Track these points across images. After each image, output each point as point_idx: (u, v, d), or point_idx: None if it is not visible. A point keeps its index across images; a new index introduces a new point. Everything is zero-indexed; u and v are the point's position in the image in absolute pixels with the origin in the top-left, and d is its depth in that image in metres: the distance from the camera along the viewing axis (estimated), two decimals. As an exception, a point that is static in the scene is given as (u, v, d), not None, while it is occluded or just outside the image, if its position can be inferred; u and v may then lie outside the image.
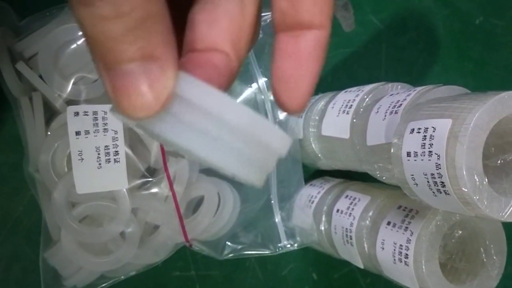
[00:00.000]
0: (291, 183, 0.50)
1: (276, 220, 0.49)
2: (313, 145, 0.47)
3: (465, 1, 0.61)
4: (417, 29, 0.60)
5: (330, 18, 0.20)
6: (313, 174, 0.55)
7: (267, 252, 0.48)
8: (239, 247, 0.47)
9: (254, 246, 0.48)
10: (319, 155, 0.48)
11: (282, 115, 0.50)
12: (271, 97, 0.50)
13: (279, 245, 0.48)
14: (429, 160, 0.29)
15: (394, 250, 0.37)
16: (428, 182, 0.30)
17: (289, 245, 0.48)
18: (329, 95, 0.47)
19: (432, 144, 0.29)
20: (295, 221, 0.50)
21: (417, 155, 0.31)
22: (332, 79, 0.56)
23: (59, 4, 0.44)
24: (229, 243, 0.47)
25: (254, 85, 0.50)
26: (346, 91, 0.45)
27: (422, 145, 0.30)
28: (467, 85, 0.35)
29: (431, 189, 0.30)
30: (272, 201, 0.49)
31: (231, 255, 0.47)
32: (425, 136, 0.30)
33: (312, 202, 0.49)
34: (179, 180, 0.43)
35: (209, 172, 0.48)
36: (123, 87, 0.16)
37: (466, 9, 0.61)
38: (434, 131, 0.30)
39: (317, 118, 0.46)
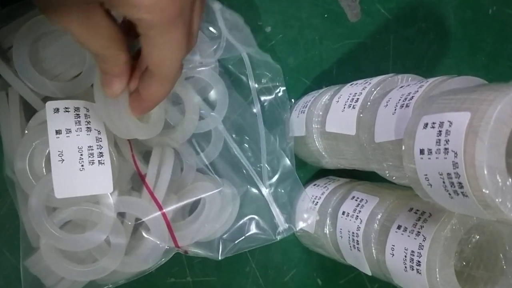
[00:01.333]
0: (280, 162, 0.48)
1: (270, 205, 0.46)
2: (316, 142, 0.45)
3: (477, -11, 0.59)
4: (426, 19, 0.57)
5: None
6: (316, 173, 0.53)
7: (266, 238, 0.46)
8: (236, 241, 0.45)
9: (252, 238, 0.45)
10: (323, 153, 0.45)
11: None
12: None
13: (278, 230, 0.46)
14: (445, 158, 0.27)
15: (405, 256, 0.35)
16: (443, 182, 0.28)
17: (288, 229, 0.46)
18: (333, 89, 0.45)
19: (449, 141, 0.27)
20: (297, 223, 0.47)
21: (431, 152, 0.28)
22: (336, 72, 0.54)
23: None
24: (224, 238, 0.45)
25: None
26: (352, 84, 0.42)
27: (437, 142, 0.28)
28: (480, 79, 0.33)
29: (447, 191, 0.28)
30: (258, 184, 0.47)
31: (229, 252, 0.45)
32: (440, 131, 0.28)
33: (316, 204, 0.46)
34: (159, 186, 0.40)
35: (206, 171, 0.46)
36: (106, 83, 0.34)
37: (478, -2, 0.59)
38: (450, 126, 0.27)
39: (321, 113, 0.44)
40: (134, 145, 0.41)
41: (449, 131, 0.27)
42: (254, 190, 0.47)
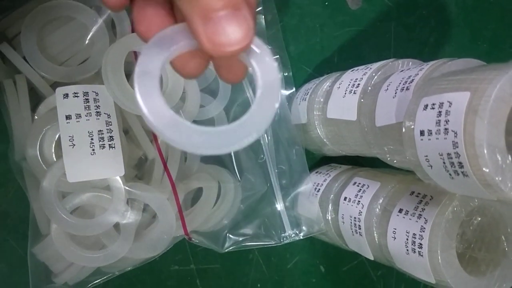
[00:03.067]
0: (294, 170, 0.47)
1: (279, 209, 0.46)
2: (318, 129, 0.45)
3: (478, -25, 0.59)
4: (428, 6, 0.57)
5: None
6: (318, 161, 0.53)
7: (271, 243, 0.46)
8: (241, 238, 0.45)
9: (257, 237, 0.46)
10: (325, 140, 0.45)
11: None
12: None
13: (283, 235, 0.46)
14: (445, 138, 0.27)
15: (407, 239, 0.35)
16: (444, 163, 0.28)
17: (294, 235, 0.46)
18: (334, 76, 0.45)
19: (448, 121, 0.27)
20: (300, 211, 0.47)
21: (431, 133, 0.28)
22: (338, 60, 0.54)
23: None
24: (230, 235, 0.45)
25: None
26: (353, 70, 0.42)
27: (437, 122, 0.28)
28: (482, 65, 0.33)
29: (448, 171, 0.28)
30: (274, 188, 0.46)
31: (232, 247, 0.45)
32: (440, 112, 0.27)
33: (318, 190, 0.46)
34: (171, 171, 0.41)
35: (209, 160, 0.46)
36: (220, 29, 0.21)
37: (480, -16, 0.59)
38: (450, 106, 0.27)
39: (322, 100, 0.44)
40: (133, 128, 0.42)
41: (449, 111, 0.27)
42: (269, 193, 0.47)
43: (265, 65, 0.23)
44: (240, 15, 0.21)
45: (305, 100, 0.47)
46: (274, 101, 0.23)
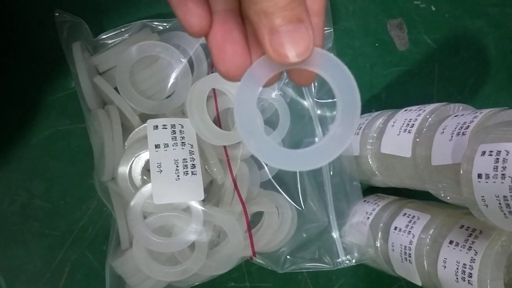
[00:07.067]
0: (350, 201, 0.51)
1: (335, 236, 0.50)
2: (370, 162, 0.48)
3: (517, 21, 0.61)
4: (469, 49, 0.60)
5: None
6: (364, 190, 0.56)
7: (326, 267, 0.49)
8: (299, 261, 0.48)
9: (313, 261, 0.49)
10: (376, 172, 0.48)
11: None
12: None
13: (337, 260, 0.49)
14: (502, 182, 0.30)
15: (457, 269, 0.37)
16: (499, 204, 0.31)
17: (347, 261, 0.49)
18: (386, 113, 0.48)
19: (506, 167, 0.30)
20: (349, 238, 0.50)
21: (488, 177, 0.31)
22: (385, 96, 0.58)
23: (130, 21, 0.46)
24: (289, 257, 0.48)
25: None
26: (406, 110, 0.45)
27: (494, 168, 0.31)
28: (520, 106, 0.36)
29: (503, 211, 0.31)
30: (331, 217, 0.50)
31: (290, 269, 0.48)
32: (497, 159, 0.31)
33: (368, 219, 0.49)
34: (241, 189, 0.44)
35: (267, 186, 0.50)
36: (282, 42, 0.23)
37: (517, 29, 0.61)
38: (507, 155, 0.30)
39: (375, 135, 0.47)
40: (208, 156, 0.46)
41: (506, 159, 0.30)
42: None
43: (342, 81, 0.25)
44: (300, 29, 0.23)
45: (358, 134, 0.50)
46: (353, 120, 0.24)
